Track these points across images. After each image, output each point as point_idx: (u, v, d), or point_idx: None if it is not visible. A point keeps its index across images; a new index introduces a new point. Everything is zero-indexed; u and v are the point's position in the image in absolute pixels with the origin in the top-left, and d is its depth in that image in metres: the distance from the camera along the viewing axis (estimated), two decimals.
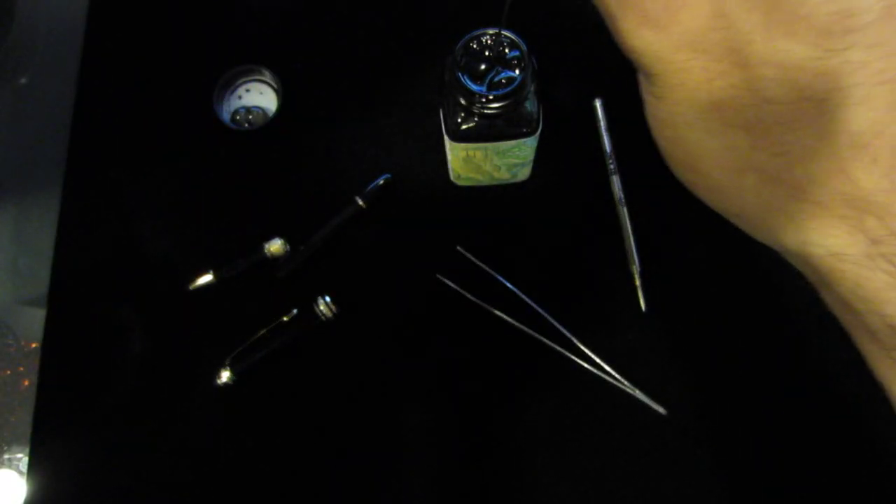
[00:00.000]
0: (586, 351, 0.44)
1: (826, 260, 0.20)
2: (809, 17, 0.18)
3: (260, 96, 0.53)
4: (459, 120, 0.40)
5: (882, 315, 0.20)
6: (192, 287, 0.47)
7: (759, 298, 0.45)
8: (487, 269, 0.46)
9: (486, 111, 0.38)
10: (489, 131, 0.40)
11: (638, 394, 0.43)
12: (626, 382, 0.44)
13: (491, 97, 0.37)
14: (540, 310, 0.45)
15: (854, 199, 0.19)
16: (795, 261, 0.22)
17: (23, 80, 0.56)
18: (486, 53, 0.38)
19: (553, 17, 0.53)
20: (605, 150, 0.49)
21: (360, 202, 0.48)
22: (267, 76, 0.53)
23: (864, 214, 0.19)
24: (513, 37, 0.38)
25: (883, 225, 0.19)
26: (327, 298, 0.45)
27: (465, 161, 0.44)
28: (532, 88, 0.39)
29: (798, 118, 0.19)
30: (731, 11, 0.19)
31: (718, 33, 0.19)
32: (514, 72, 0.38)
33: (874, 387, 0.24)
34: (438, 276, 0.47)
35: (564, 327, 0.45)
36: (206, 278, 0.47)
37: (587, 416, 0.44)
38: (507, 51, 0.38)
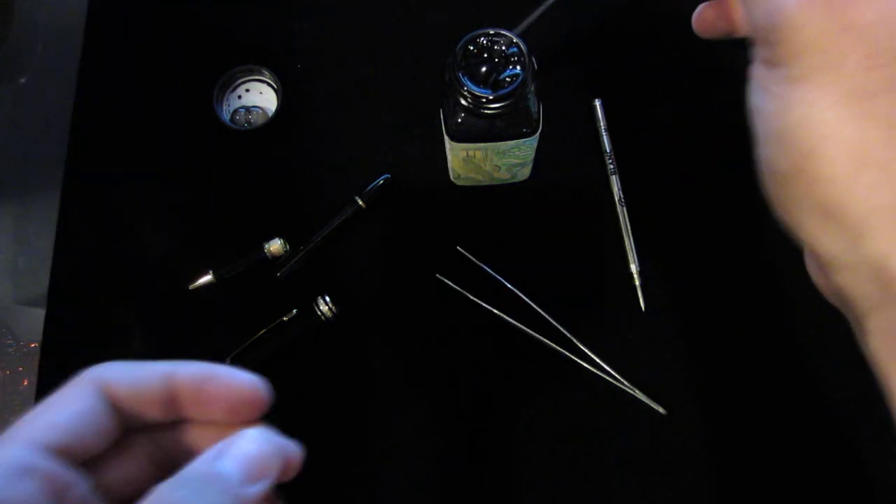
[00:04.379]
0: (586, 351, 0.44)
1: None
2: None
3: (260, 96, 0.53)
4: (459, 120, 0.40)
5: None
6: (192, 287, 0.47)
7: (759, 298, 0.45)
8: (487, 269, 0.46)
9: (486, 111, 0.38)
10: (489, 131, 0.40)
11: (638, 394, 0.43)
12: (625, 382, 0.44)
13: (491, 97, 0.37)
14: (540, 310, 0.45)
15: None
16: (866, 271, 0.21)
17: (23, 80, 0.56)
18: (486, 54, 0.38)
19: (553, 16, 0.52)
20: (605, 150, 0.49)
21: (360, 202, 0.48)
22: (267, 76, 0.53)
23: None
24: (513, 37, 0.38)
25: None
26: (327, 298, 0.45)
27: (465, 161, 0.44)
28: (532, 88, 0.39)
29: None
30: None
31: (892, 27, 0.19)
32: (513, 71, 0.38)
33: (873, 387, 0.24)
34: (438, 276, 0.47)
35: (564, 327, 0.45)
36: (206, 278, 0.47)
37: (587, 416, 0.44)
38: (506, 51, 0.38)
